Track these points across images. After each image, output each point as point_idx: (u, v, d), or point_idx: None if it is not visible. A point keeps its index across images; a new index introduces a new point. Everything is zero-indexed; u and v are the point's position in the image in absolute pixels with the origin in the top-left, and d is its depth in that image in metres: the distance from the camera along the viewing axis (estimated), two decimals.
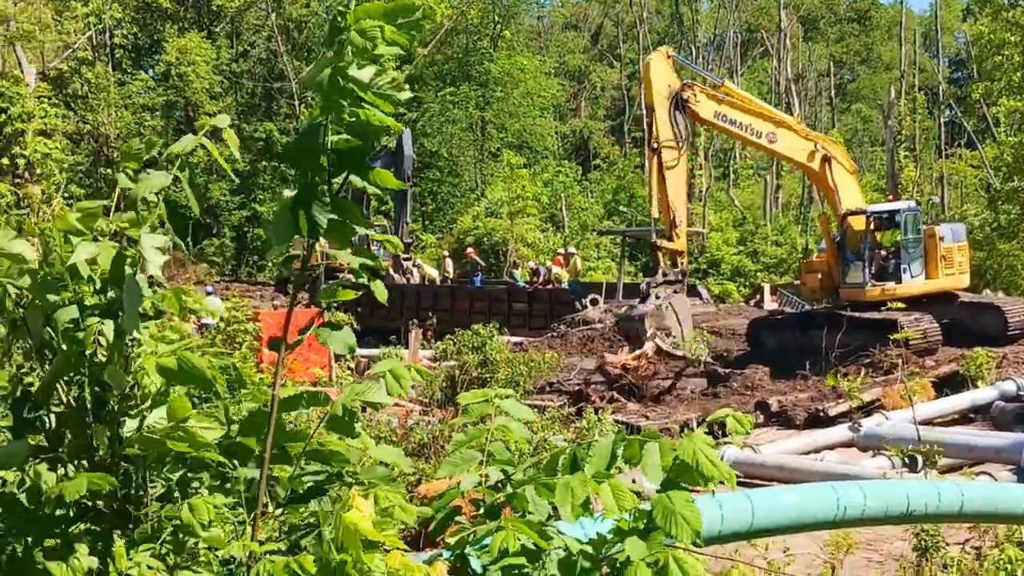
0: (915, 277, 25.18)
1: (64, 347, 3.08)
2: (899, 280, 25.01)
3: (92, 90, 57.72)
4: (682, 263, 22.91)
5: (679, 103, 23.28)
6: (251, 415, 3.35)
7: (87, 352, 3.07)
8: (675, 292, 21.97)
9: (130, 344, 3.10)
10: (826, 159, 25.72)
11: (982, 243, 44.07)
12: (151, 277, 3.06)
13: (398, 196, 42.94)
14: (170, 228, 3.16)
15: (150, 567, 2.95)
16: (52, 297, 3.12)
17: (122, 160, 3.22)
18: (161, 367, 3.06)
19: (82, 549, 3.03)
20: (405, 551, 2.84)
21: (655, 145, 22.78)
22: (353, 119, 2.94)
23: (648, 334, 21.49)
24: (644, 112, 26.12)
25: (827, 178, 25.76)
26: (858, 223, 25.66)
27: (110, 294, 3.07)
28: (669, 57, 24.42)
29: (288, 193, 3.01)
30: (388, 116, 2.97)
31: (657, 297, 22.05)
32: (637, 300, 23.33)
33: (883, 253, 25.36)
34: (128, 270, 3.07)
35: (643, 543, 2.95)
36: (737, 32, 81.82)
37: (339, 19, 2.92)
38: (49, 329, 3.12)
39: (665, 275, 21.78)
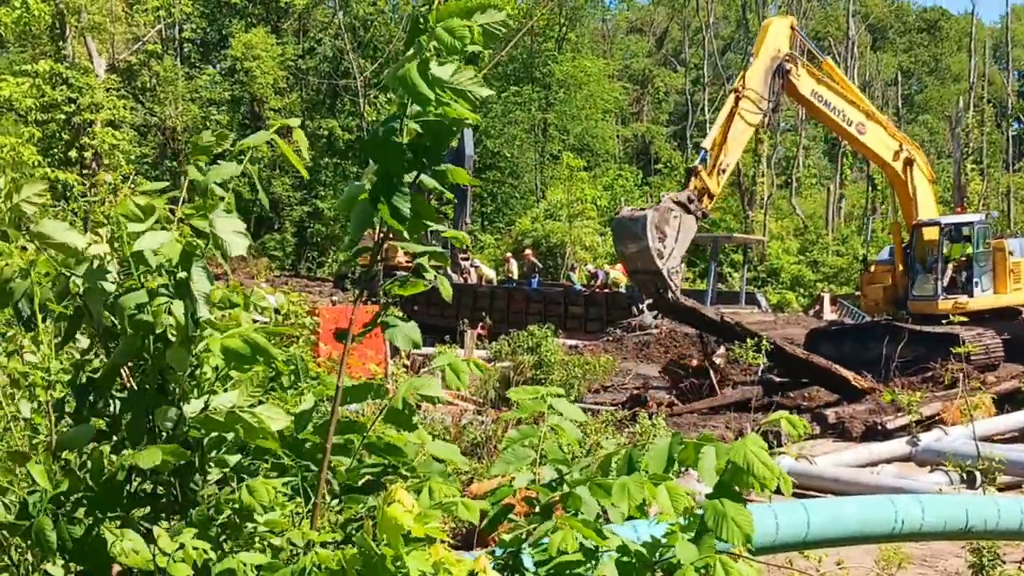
0: (985, 291, 24.77)
1: (130, 331, 3.11)
2: (971, 294, 24.60)
3: (160, 83, 58.46)
4: (707, 205, 22.15)
5: (780, 71, 22.93)
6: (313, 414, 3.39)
7: (154, 335, 3.12)
8: (688, 213, 21.13)
9: (196, 326, 3.15)
10: (909, 162, 25.24)
11: None
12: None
13: (458, 195, 43.03)
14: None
15: (195, 548, 2.97)
16: (108, 285, 3.19)
17: (193, 153, 3.30)
18: (226, 348, 3.11)
19: (128, 533, 3.07)
20: (448, 544, 2.83)
21: (739, 89, 22.39)
22: (434, 116, 3.00)
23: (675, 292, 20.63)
24: (745, 60, 25.05)
25: (907, 182, 25.29)
26: (929, 234, 25.26)
27: (180, 275, 3.13)
28: (792, 29, 24.05)
29: (361, 183, 3.07)
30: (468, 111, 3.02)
31: (671, 205, 21.15)
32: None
33: (952, 266, 24.93)
34: (194, 259, 3.13)
35: (694, 547, 2.95)
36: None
37: (421, 20, 2.98)
38: (111, 315, 3.17)
39: (690, 200, 21.05)
